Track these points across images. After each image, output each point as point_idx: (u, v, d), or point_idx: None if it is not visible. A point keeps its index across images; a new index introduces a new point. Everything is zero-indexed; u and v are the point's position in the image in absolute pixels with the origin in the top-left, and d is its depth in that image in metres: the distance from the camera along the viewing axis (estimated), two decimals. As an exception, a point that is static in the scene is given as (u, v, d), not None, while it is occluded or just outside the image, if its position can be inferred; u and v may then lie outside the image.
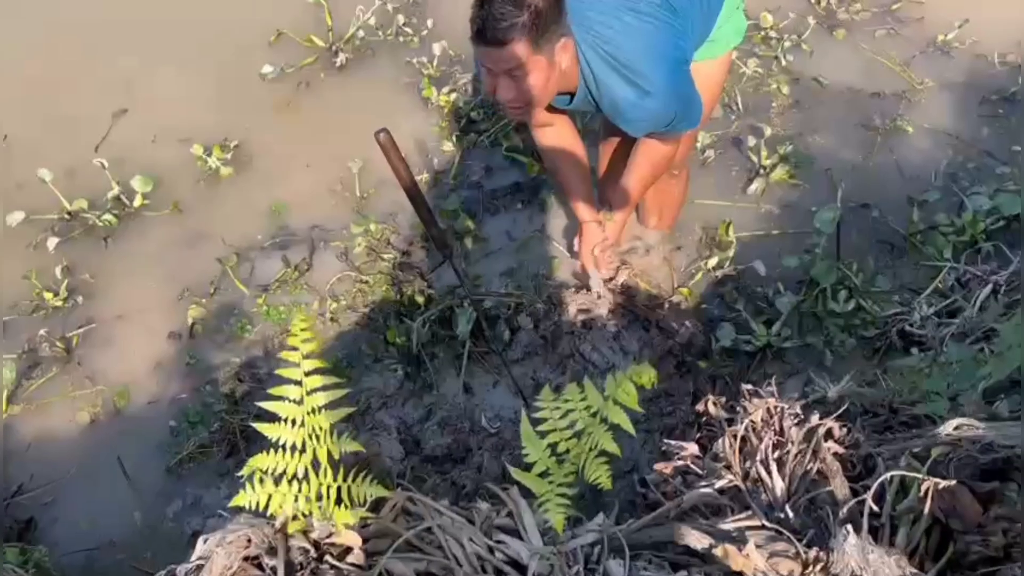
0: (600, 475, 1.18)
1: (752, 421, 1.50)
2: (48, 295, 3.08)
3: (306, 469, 1.27)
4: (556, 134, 2.51)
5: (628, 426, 1.19)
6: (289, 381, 1.27)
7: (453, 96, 3.61)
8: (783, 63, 3.60)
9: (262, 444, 2.60)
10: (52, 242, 3.26)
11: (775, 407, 1.48)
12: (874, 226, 2.99)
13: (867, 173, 3.17)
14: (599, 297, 2.71)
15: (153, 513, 2.54)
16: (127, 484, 2.60)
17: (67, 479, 2.63)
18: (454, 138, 3.47)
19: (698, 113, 2.24)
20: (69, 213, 3.37)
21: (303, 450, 1.27)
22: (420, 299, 2.88)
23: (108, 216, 3.34)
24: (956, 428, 1.35)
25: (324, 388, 1.27)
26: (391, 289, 2.95)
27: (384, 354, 2.79)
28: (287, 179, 3.45)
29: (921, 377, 1.88)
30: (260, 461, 1.30)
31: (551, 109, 2.31)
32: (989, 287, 2.55)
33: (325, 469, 1.28)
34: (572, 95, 2.17)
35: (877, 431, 1.74)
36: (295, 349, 1.27)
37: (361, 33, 3.97)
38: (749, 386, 1.59)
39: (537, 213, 3.21)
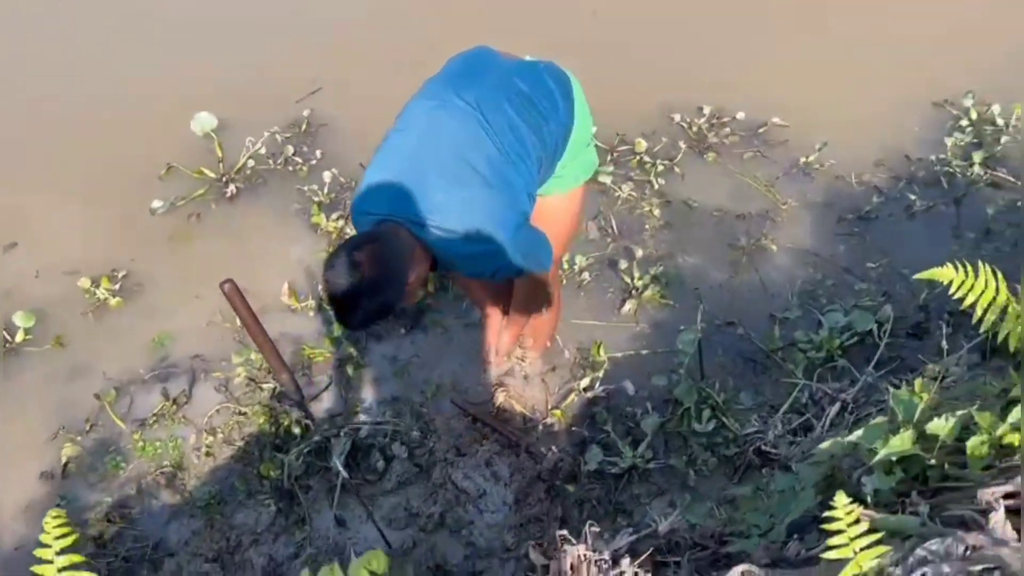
0: None
1: (563, 570, 1.55)
2: (-84, 437, 3.02)
3: None
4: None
5: None
6: None
7: (341, 222, 3.71)
8: (656, 186, 3.79)
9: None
10: (-75, 381, 3.22)
11: (583, 555, 1.54)
12: (738, 343, 3.11)
13: (733, 291, 3.32)
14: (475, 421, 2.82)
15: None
16: (-16, 638, 2.52)
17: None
18: (340, 265, 3.54)
19: (547, 258, 2.37)
20: (-54, 350, 3.34)
21: None
22: (297, 430, 2.90)
23: (-13, 353, 3.32)
24: (742, 574, 1.42)
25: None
26: (268, 420, 2.95)
27: (257, 488, 2.79)
28: (174, 310, 3.48)
29: (750, 508, 1.96)
30: None
31: None
32: (838, 405, 2.67)
33: None
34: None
35: (703, 566, 1.80)
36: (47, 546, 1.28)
37: (251, 163, 4.08)
38: (564, 532, 1.64)
39: (420, 338, 3.28)
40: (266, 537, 2.67)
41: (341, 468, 2.76)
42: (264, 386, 3.09)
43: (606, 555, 1.58)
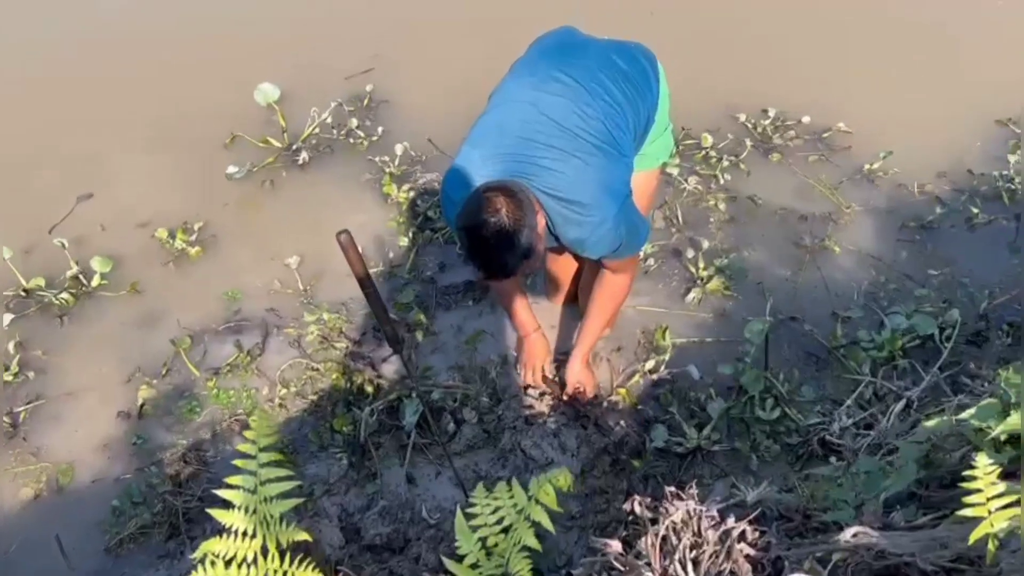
0: (522, 569, 1.28)
1: (673, 522, 1.63)
2: (-2, 370, 3.12)
3: (255, 554, 1.35)
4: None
5: (548, 524, 1.31)
6: (244, 471, 1.37)
7: (412, 194, 3.79)
8: (721, 181, 3.86)
9: (204, 528, 2.66)
10: (6, 318, 3.31)
11: (694, 510, 1.61)
12: (802, 339, 3.18)
13: (796, 288, 3.39)
14: (542, 396, 2.86)
15: (89, 594, 2.55)
16: (65, 564, 2.61)
17: (5, 556, 2.63)
18: (410, 234, 3.63)
19: (644, 237, 2.44)
20: (25, 291, 3.43)
21: (253, 536, 1.36)
22: (369, 388, 2.98)
23: (65, 295, 3.41)
24: (854, 536, 1.49)
25: (278, 479, 1.36)
26: (341, 377, 3.04)
27: (330, 442, 2.87)
28: (246, 269, 3.57)
29: (833, 486, 2.02)
30: (212, 545, 1.38)
31: None
32: (903, 402, 2.74)
33: (273, 555, 1.36)
34: None
35: (789, 535, 1.87)
36: (253, 442, 1.37)
37: (318, 131, 4.16)
38: (672, 488, 1.71)
39: (487, 311, 3.36)
40: (338, 488, 2.75)
41: (412, 428, 2.85)
42: (337, 345, 3.18)
43: (714, 511, 1.65)
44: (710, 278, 3.38)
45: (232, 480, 1.38)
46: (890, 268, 3.45)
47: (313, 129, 4.17)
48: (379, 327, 2.24)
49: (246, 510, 1.35)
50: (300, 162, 4.05)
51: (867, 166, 3.90)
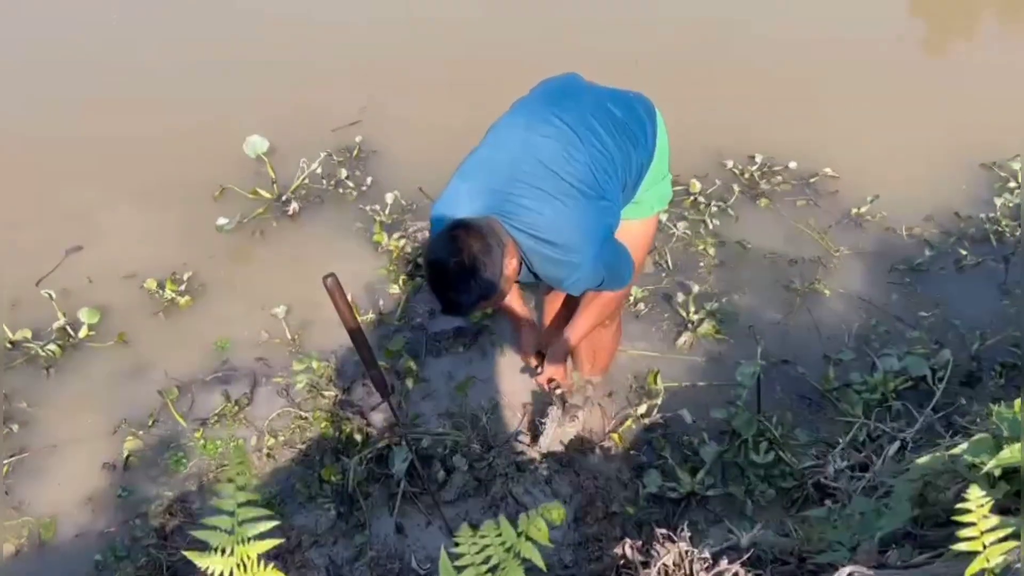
0: None
1: (664, 564, 1.59)
2: (-18, 423, 3.07)
3: None
4: None
5: (539, 561, 1.28)
6: (222, 512, 1.34)
7: (402, 242, 3.79)
8: (710, 226, 3.87)
9: (189, 580, 2.58)
10: (-8, 370, 3.28)
11: (686, 552, 1.58)
12: (794, 382, 3.16)
13: (787, 331, 3.38)
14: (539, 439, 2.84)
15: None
16: (45, 621, 2.54)
17: (-18, 614, 2.56)
18: (401, 281, 3.62)
19: (628, 274, 2.44)
20: (11, 343, 3.41)
21: None
22: (358, 437, 2.95)
23: (51, 346, 3.39)
24: (850, 574, 1.46)
25: (255, 519, 1.33)
26: (330, 426, 3.01)
27: (318, 492, 2.82)
28: (235, 319, 3.54)
29: (828, 528, 1.99)
30: None
31: None
32: (897, 444, 2.71)
33: None
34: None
35: (786, 578, 1.84)
36: (230, 481, 1.34)
37: (307, 182, 4.18)
38: (663, 531, 1.68)
39: (477, 358, 3.34)
40: (326, 539, 2.69)
41: (402, 476, 2.81)
42: (326, 393, 3.15)
43: (707, 554, 1.61)
44: (701, 322, 3.37)
45: (209, 521, 1.35)
46: (881, 311, 3.45)
47: (303, 180, 4.19)
48: (367, 372, 2.22)
49: (223, 552, 1.32)
50: (290, 212, 4.07)
51: (854, 210, 3.93)
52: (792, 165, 4.19)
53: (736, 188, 4.08)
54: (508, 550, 1.30)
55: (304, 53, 5.31)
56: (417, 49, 5.26)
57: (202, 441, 3.03)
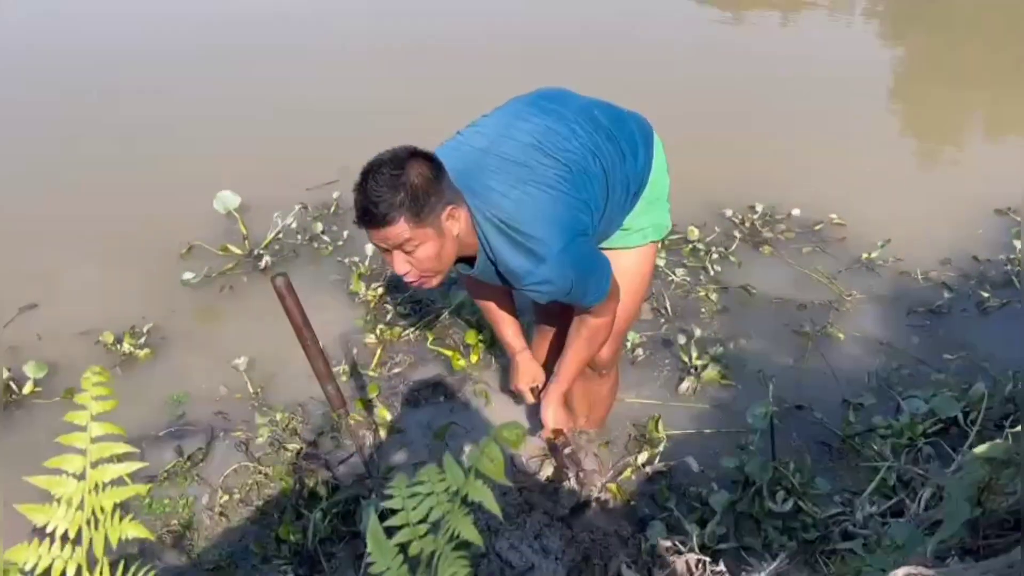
0: (456, 573, 0.93)
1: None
2: (-98, 482, 2.74)
3: (78, 567, 1.02)
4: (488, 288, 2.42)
5: (492, 504, 0.96)
6: (70, 449, 1.05)
7: (380, 291, 3.53)
8: (711, 273, 3.62)
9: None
10: (-79, 427, 2.97)
11: (696, 562, 1.25)
12: (811, 427, 2.86)
13: (800, 376, 3.09)
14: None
15: None
16: None
17: None
18: (378, 331, 3.34)
19: (604, 285, 2.14)
20: (-52, 399, 3.11)
21: (78, 541, 1.03)
22: (323, 491, 2.61)
23: (-9, 403, 3.08)
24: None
25: (114, 459, 1.04)
26: (291, 481, 2.67)
27: (274, 552, 2.46)
28: (196, 371, 3.25)
29: (862, 563, 1.66)
30: (18, 555, 1.04)
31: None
32: (932, 487, 2.38)
33: (101, 566, 1.02)
34: (473, 262, 2.11)
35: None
36: (83, 408, 1.06)
37: (281, 236, 3.95)
38: (667, 542, 1.36)
39: (460, 408, 3.03)
40: (281, 606, 2.33)
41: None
42: (289, 446, 2.83)
43: (721, 566, 1.29)
44: (705, 367, 3.08)
45: (53, 462, 1.06)
46: (902, 353, 3.17)
47: (277, 234, 3.95)
48: (322, 387, 1.92)
49: (69, 504, 1.02)
50: (262, 266, 3.82)
51: (865, 255, 3.69)
52: (795, 212, 3.97)
53: (737, 236, 3.84)
54: (454, 497, 0.99)
55: (281, 111, 5.16)
56: (398, 110, 5.12)
57: (148, 500, 2.69)
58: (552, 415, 2.44)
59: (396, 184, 1.81)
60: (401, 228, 1.84)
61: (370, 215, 1.84)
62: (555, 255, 1.95)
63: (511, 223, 1.94)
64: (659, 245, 2.49)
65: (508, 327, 2.51)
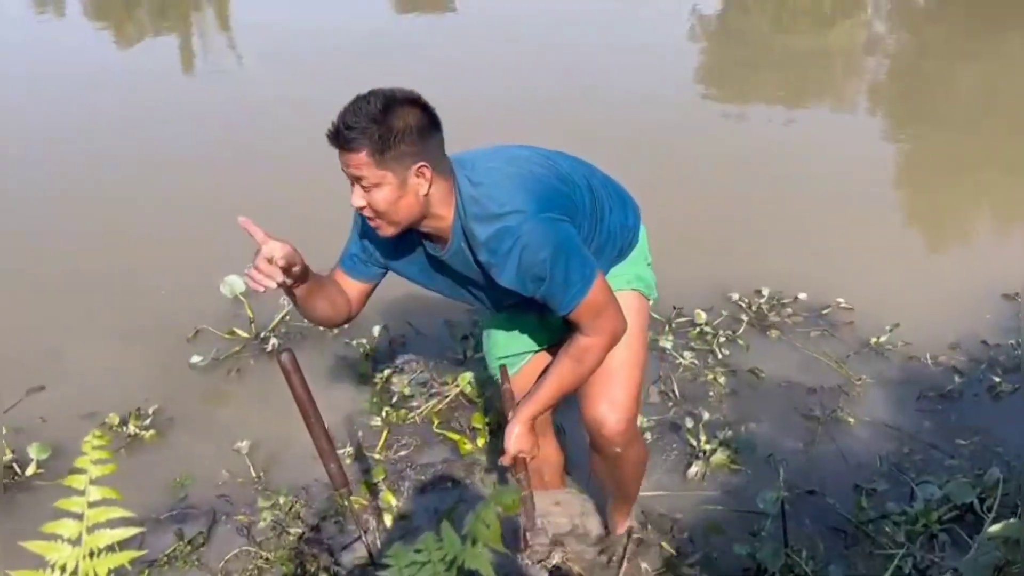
0: None
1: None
2: (-101, 566, 2.70)
3: None
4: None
5: (487, 570, 0.93)
6: (66, 514, 1.04)
7: (388, 372, 3.53)
8: (719, 356, 3.61)
9: None
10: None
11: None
12: (823, 513, 2.80)
13: (810, 460, 3.04)
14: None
15: None
16: None
17: None
18: (384, 413, 3.33)
19: (587, 277, 2.03)
20: (-50, 481, 3.09)
21: None
22: (324, 577, 2.56)
23: (-8, 484, 3.06)
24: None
25: (109, 524, 1.03)
26: (293, 566, 2.62)
27: (273, 642, 2.41)
28: (202, 454, 3.23)
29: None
30: None
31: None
32: (950, 574, 2.32)
33: None
34: (446, 244, 2.08)
35: None
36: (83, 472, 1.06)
37: (288, 318, 3.96)
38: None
39: (467, 493, 2.98)
40: None
41: (372, 622, 2.40)
42: (292, 531, 2.78)
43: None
44: (714, 451, 3.04)
45: (49, 527, 1.04)
46: (913, 438, 3.13)
47: (283, 317, 3.97)
48: (324, 465, 1.91)
49: (63, 571, 1.00)
50: (268, 349, 3.82)
51: (874, 339, 3.67)
52: (802, 296, 3.97)
53: (744, 319, 3.84)
54: (451, 566, 0.97)
55: (292, 195, 5.20)
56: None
57: (146, 583, 2.64)
58: (515, 438, 2.19)
59: (376, 117, 1.83)
60: (361, 159, 1.86)
61: (339, 134, 1.87)
62: (530, 217, 1.94)
63: (489, 197, 1.97)
64: (649, 304, 2.42)
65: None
